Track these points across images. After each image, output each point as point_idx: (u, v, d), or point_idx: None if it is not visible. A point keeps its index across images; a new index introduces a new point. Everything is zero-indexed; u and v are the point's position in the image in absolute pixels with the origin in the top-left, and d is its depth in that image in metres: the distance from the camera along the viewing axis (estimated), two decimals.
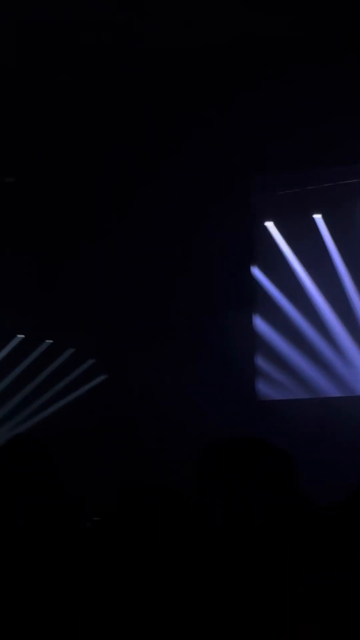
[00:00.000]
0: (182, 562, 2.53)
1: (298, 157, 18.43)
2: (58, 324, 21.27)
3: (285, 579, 2.61)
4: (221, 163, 18.85)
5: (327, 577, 2.64)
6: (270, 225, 19.71)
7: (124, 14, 13.99)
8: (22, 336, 22.03)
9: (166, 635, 2.57)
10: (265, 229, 19.75)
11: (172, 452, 18.46)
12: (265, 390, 20.17)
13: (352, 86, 16.77)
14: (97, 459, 18.54)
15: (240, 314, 19.70)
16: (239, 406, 19.26)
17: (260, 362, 20.19)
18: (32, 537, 2.50)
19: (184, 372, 19.73)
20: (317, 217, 19.13)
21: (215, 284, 19.90)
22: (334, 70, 16.29)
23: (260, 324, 20.20)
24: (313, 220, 19.15)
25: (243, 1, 14.55)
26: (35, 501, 2.62)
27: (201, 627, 2.52)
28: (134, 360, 20.40)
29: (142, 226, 20.13)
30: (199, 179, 19.18)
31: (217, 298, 19.90)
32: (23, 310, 21.03)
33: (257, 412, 19.52)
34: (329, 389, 19.61)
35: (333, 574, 2.64)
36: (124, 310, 20.52)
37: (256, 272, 20.09)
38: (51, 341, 21.94)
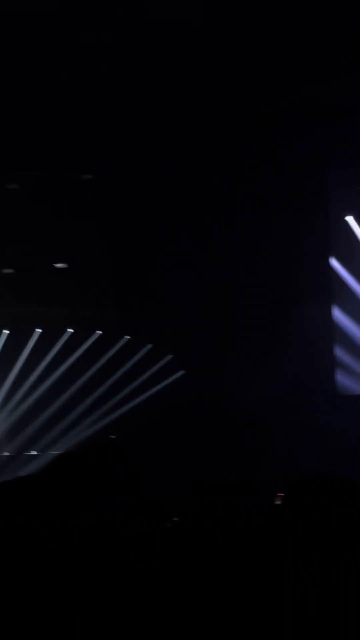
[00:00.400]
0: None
1: None
2: (136, 321, 21.37)
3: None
4: (300, 157, 18.68)
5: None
6: (350, 219, 19.62)
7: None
8: (100, 332, 22.22)
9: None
10: (346, 223, 19.64)
11: (251, 447, 18.35)
12: (345, 383, 19.91)
13: None
14: (174, 456, 18.52)
15: (318, 306, 19.49)
16: (318, 400, 19.07)
17: (340, 354, 19.94)
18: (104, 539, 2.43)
19: (263, 366, 19.58)
20: None
21: (293, 276, 19.73)
22: None
23: (339, 315, 19.97)
24: None
25: None
26: (112, 501, 2.55)
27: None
28: (212, 355, 20.33)
29: (219, 220, 20.06)
30: (279, 171, 19.05)
31: (295, 290, 19.73)
32: (101, 307, 21.14)
33: (337, 406, 19.28)
34: None
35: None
36: (201, 304, 20.45)
37: (335, 264, 19.89)
38: (128, 337, 22.06)
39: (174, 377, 21.65)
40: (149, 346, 21.89)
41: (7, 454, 20.31)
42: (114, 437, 20.35)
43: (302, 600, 2.45)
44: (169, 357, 21.73)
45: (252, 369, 19.87)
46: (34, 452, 20.09)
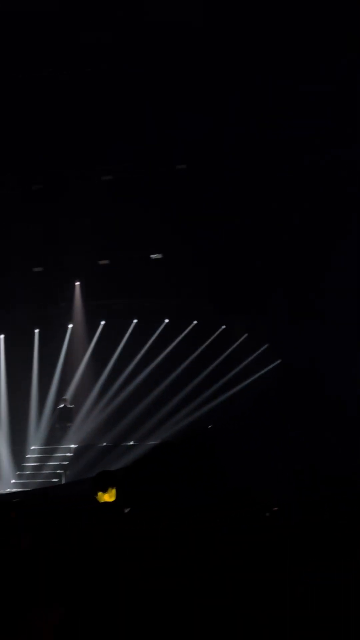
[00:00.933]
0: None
1: None
2: (232, 309, 21.35)
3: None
4: None
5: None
6: None
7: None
8: (195, 322, 22.30)
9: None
10: None
11: (348, 439, 18.11)
12: None
13: None
14: (270, 445, 18.40)
15: None
16: None
17: None
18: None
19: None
20: None
21: None
22: None
23: None
24: None
25: None
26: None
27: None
28: (308, 344, 20.15)
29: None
30: None
31: None
32: (198, 296, 21.16)
33: None
34: None
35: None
36: (297, 293, 20.29)
37: None
38: (224, 326, 22.07)
39: (270, 367, 21.57)
40: (245, 335, 21.86)
41: (104, 444, 20.54)
42: (210, 426, 20.37)
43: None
44: (265, 346, 21.66)
45: (349, 356, 19.62)
46: (131, 443, 20.26)
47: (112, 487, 6.87)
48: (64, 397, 21.87)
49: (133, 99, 17.24)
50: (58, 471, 20.36)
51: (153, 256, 21.71)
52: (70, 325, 22.89)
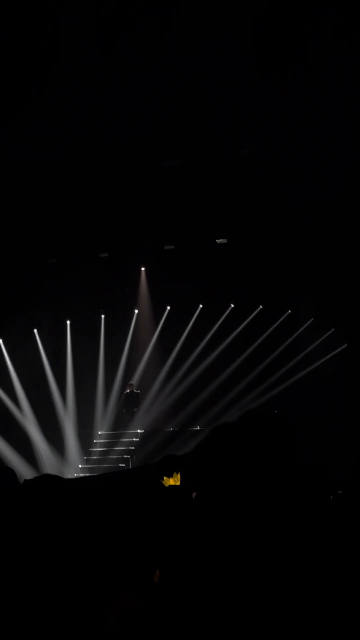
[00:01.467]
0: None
1: None
2: (298, 294, 21.21)
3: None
4: None
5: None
6: None
7: None
8: (261, 307, 22.20)
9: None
10: None
11: None
12: None
13: None
14: (336, 431, 18.25)
15: None
16: None
17: None
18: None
19: None
20: None
21: None
22: None
23: None
24: None
25: None
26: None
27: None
28: None
29: None
30: None
31: None
32: (263, 281, 21.01)
33: None
34: None
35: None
36: None
37: None
38: (289, 311, 21.94)
39: (337, 351, 21.36)
40: (311, 320, 21.70)
41: (171, 429, 20.61)
42: (277, 411, 20.24)
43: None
44: (332, 330, 21.47)
45: None
46: (197, 428, 20.28)
47: (177, 472, 6.87)
48: (131, 382, 21.98)
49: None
50: (125, 456, 20.49)
51: (218, 241, 21.63)
52: (136, 311, 23.00)
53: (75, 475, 19.38)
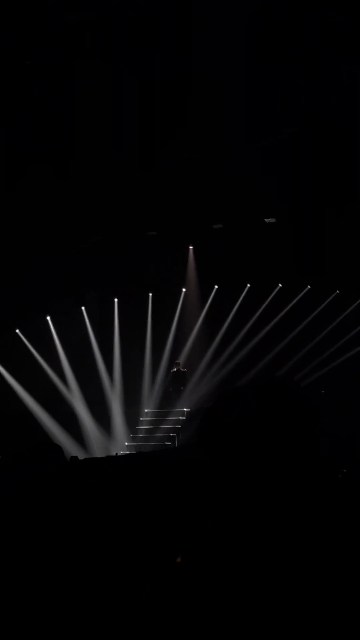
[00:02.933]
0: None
1: None
2: (346, 274, 21.05)
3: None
4: None
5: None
6: None
7: None
8: (309, 286, 22.11)
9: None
10: None
11: None
12: None
13: None
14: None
15: None
16: None
17: None
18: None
19: None
20: None
21: None
22: None
23: None
24: None
25: None
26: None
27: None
28: None
29: None
30: None
31: None
32: (310, 261, 20.88)
33: None
34: None
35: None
36: None
37: None
38: (337, 291, 21.80)
39: None
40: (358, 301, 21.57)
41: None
42: (324, 391, 20.12)
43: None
44: None
45: None
46: None
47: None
48: (177, 361, 22.02)
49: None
50: (171, 434, 20.56)
51: (267, 220, 21.51)
52: (184, 290, 22.99)
53: (121, 452, 19.50)
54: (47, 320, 21.67)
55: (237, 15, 14.36)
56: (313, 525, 2.42)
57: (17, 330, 21.34)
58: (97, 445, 20.60)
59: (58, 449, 5.41)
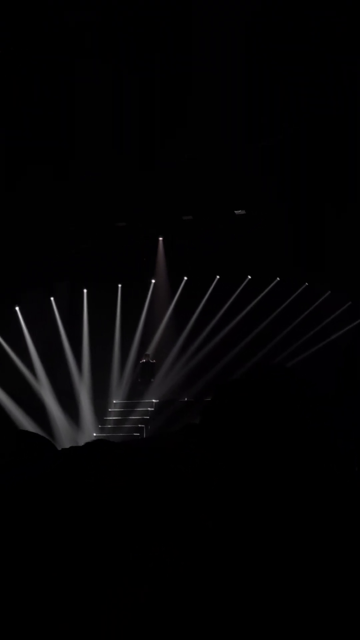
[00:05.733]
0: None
1: None
2: (315, 267, 21.12)
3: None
4: None
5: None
6: None
7: None
8: (278, 279, 22.15)
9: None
10: None
11: None
12: None
13: None
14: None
15: None
16: None
17: None
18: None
19: None
20: None
21: None
22: None
23: None
24: None
25: None
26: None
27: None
28: None
29: None
30: None
31: None
32: (280, 253, 20.94)
33: None
34: None
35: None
36: None
37: None
38: (307, 284, 21.87)
39: (353, 324, 21.34)
40: (328, 292, 21.65)
41: (186, 399, 20.65)
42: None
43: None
44: (349, 303, 21.42)
45: None
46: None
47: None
48: (147, 353, 22.02)
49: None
50: (139, 425, 20.56)
51: (237, 212, 21.53)
52: (153, 281, 22.97)
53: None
54: (16, 311, 21.53)
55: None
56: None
57: None
58: (65, 435, 20.55)
59: (50, 444, 5.37)
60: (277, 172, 18.89)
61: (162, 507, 3.36)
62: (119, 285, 22.76)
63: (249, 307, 22.26)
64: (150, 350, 22.26)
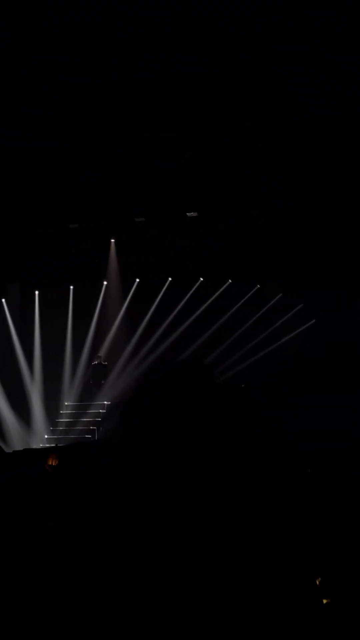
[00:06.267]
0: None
1: None
2: (267, 269, 21.31)
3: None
4: None
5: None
6: None
7: None
8: (230, 281, 22.25)
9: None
10: None
11: None
12: None
13: None
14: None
15: None
16: None
17: None
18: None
19: None
20: None
21: None
22: None
23: None
24: None
25: None
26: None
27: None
28: (342, 304, 20.12)
29: None
30: None
31: None
32: (233, 255, 21.13)
33: None
34: None
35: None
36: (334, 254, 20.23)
37: None
38: (258, 286, 22.01)
39: (304, 327, 21.54)
40: (279, 295, 21.80)
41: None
42: (244, 385, 20.36)
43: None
44: (300, 306, 21.61)
45: None
46: None
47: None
48: (99, 354, 21.99)
49: None
50: (91, 427, 20.53)
51: (189, 214, 21.63)
52: (105, 283, 22.92)
53: (41, 445, 19.39)
54: None
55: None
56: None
57: None
58: (17, 438, 20.46)
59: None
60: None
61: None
62: (71, 287, 22.69)
63: (201, 309, 22.36)
64: (102, 352, 22.23)
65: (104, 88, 16.08)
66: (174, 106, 16.71)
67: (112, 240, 22.83)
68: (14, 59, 14.75)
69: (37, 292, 22.44)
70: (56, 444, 17.10)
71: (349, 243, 19.88)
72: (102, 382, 21.73)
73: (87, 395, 21.85)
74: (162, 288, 22.57)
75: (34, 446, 19.03)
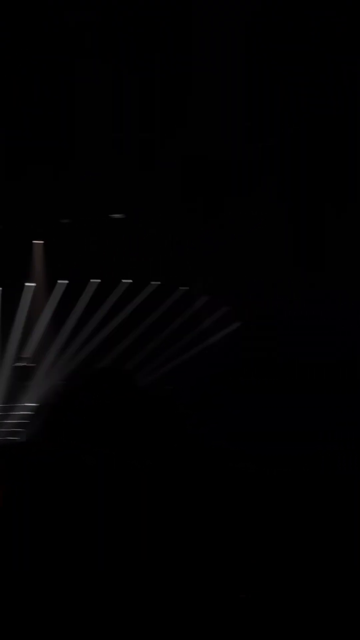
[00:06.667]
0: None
1: None
2: (194, 271, 21.44)
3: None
4: None
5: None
6: None
7: None
8: (158, 283, 22.32)
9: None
10: None
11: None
12: None
13: None
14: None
15: None
16: None
17: None
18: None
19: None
20: None
21: None
22: None
23: None
24: None
25: None
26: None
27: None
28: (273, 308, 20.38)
29: None
30: None
31: None
32: (158, 257, 21.18)
33: None
34: None
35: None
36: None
37: None
38: (186, 288, 22.16)
39: (230, 329, 21.74)
40: (205, 298, 21.97)
41: None
42: (170, 387, 20.46)
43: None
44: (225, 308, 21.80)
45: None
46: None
47: None
48: (24, 356, 21.78)
49: None
50: (17, 429, 20.30)
51: (114, 216, 21.65)
52: (30, 284, 22.69)
53: None
54: None
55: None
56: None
57: None
58: None
59: None
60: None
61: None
62: None
63: (126, 311, 22.38)
64: (28, 353, 22.03)
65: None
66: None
67: (37, 242, 22.65)
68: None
69: None
70: None
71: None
72: (28, 384, 21.53)
73: (11, 397, 21.60)
74: (88, 289, 22.51)
75: None
